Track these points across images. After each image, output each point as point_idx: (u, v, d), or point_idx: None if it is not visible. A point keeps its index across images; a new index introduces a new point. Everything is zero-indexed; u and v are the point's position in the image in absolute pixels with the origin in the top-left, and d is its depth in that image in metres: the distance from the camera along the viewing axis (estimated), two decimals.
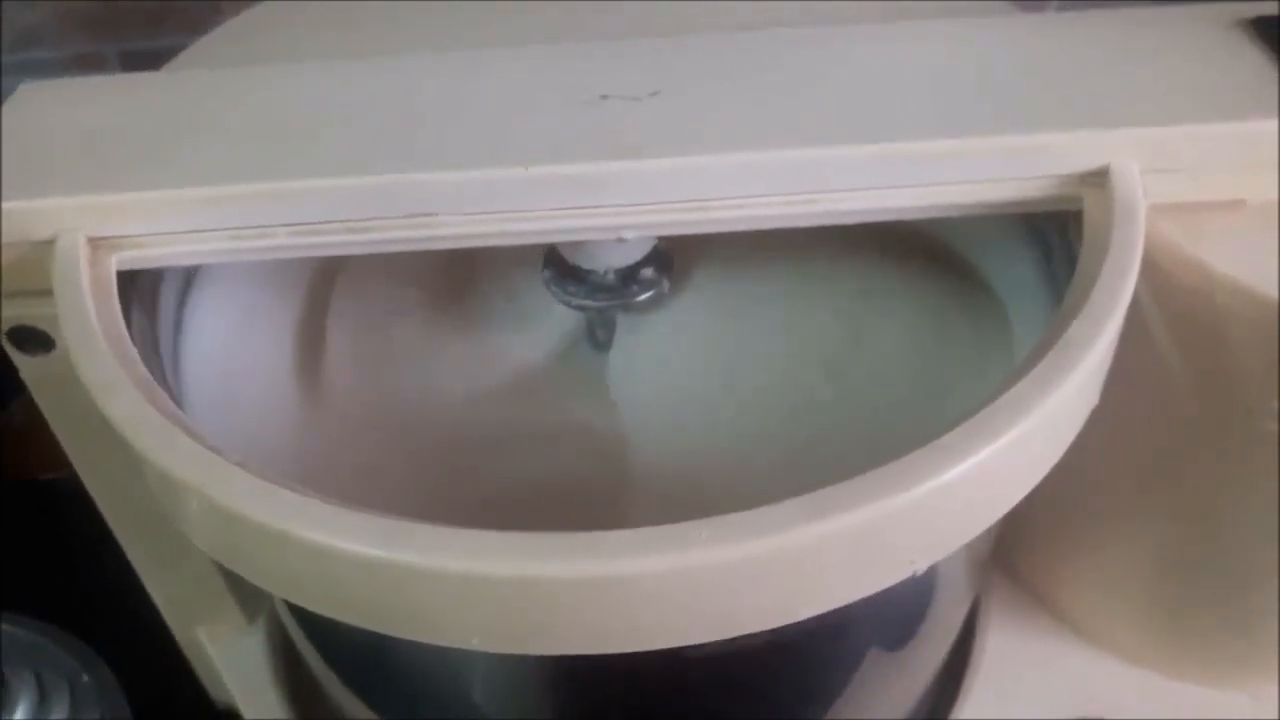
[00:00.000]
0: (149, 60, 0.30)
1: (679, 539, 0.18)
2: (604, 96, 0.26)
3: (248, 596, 0.36)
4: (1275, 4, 0.28)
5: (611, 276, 0.29)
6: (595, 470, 0.29)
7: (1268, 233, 0.25)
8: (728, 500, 0.19)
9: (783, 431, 0.29)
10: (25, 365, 0.27)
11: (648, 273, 0.29)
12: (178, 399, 0.26)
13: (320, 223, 0.24)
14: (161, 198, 0.24)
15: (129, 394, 0.21)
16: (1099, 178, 0.24)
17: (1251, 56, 0.26)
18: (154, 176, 0.24)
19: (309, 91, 0.27)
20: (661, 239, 0.29)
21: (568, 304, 0.30)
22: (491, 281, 0.33)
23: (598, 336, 0.32)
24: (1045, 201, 0.25)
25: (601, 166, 0.24)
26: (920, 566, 0.21)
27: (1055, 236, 0.28)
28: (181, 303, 0.29)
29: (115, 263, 0.24)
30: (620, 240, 0.26)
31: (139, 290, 0.26)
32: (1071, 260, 0.24)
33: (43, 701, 0.38)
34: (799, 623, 0.20)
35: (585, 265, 0.29)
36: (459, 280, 0.33)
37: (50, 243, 0.24)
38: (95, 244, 0.24)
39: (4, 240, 0.24)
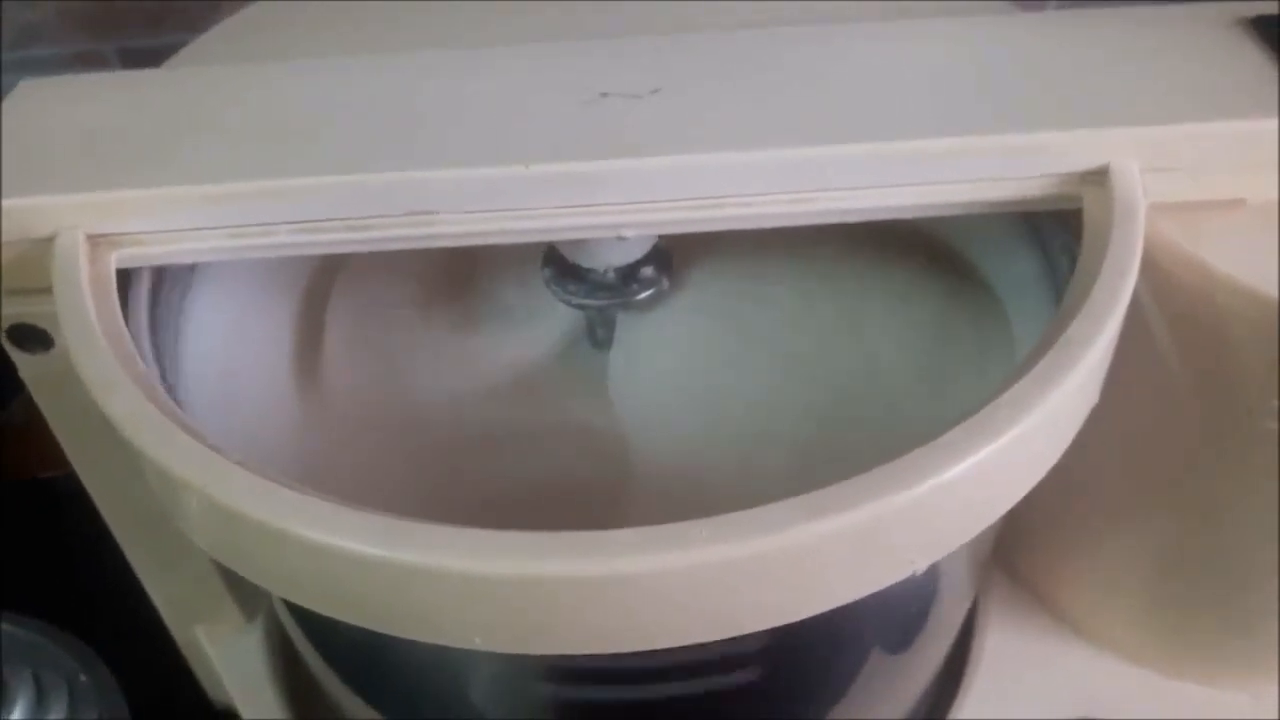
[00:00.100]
0: (149, 58, 0.30)
1: (679, 538, 0.18)
2: (604, 95, 0.26)
3: (246, 596, 0.36)
4: (1275, 3, 0.28)
5: (611, 275, 0.29)
6: (595, 469, 0.29)
7: (1268, 232, 0.25)
8: (727, 499, 0.19)
9: (782, 430, 0.29)
10: (24, 363, 0.26)
11: (648, 271, 0.29)
12: (177, 397, 0.26)
13: (320, 221, 0.24)
14: (161, 195, 0.24)
15: (129, 392, 0.21)
16: (1099, 177, 0.24)
17: (1251, 55, 0.26)
18: (154, 174, 0.24)
19: (309, 89, 0.27)
20: (661, 237, 0.29)
21: (568, 303, 0.30)
22: (491, 280, 0.33)
23: (597, 335, 0.32)
24: (1045, 200, 0.25)
25: (602, 165, 0.24)
26: (920, 566, 0.21)
27: (1055, 236, 0.28)
28: (181, 301, 0.29)
29: (115, 260, 0.24)
30: (620, 239, 0.26)
31: (138, 288, 0.26)
32: (1071, 259, 0.24)
33: (41, 701, 0.37)
34: (798, 622, 0.20)
35: (585, 264, 0.29)
36: (459, 279, 0.33)
37: (50, 240, 0.24)
38: (95, 242, 0.24)
39: (3, 238, 0.24)
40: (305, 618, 0.31)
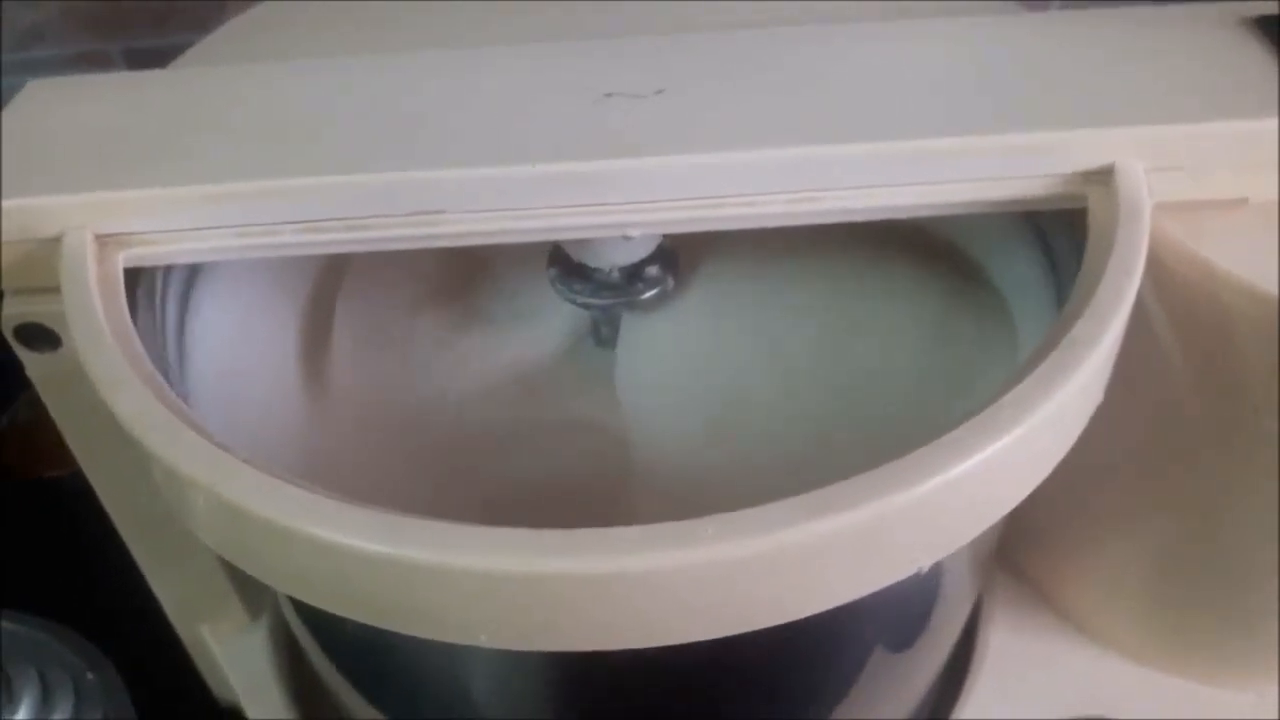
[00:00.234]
0: (154, 59, 0.30)
1: (686, 536, 0.18)
2: (609, 95, 0.26)
3: (251, 594, 0.37)
4: (1277, 3, 0.28)
5: (616, 274, 0.29)
6: (600, 467, 0.29)
7: (1270, 231, 0.25)
8: (732, 497, 0.19)
9: (787, 428, 0.29)
10: (31, 362, 0.27)
11: (653, 271, 0.30)
12: (183, 396, 0.26)
13: (326, 220, 0.24)
14: (168, 195, 0.24)
15: (136, 390, 0.21)
16: (1104, 176, 0.24)
17: (1255, 55, 0.26)
18: (161, 174, 0.24)
19: (314, 89, 0.27)
20: (666, 237, 0.29)
21: (573, 302, 0.30)
22: (496, 279, 0.33)
23: (602, 334, 0.32)
24: (1050, 200, 0.25)
25: (607, 164, 0.24)
26: (924, 564, 0.21)
27: (1059, 235, 0.28)
28: (186, 300, 0.29)
29: (122, 260, 0.24)
30: (625, 238, 0.26)
31: (144, 287, 0.26)
32: (1075, 259, 0.24)
33: (47, 699, 0.38)
34: (802, 620, 0.20)
35: (590, 263, 0.29)
36: (464, 278, 0.33)
37: (57, 240, 0.24)
38: (102, 241, 0.24)
39: (10, 238, 0.24)
40: (310, 616, 0.31)
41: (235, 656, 0.38)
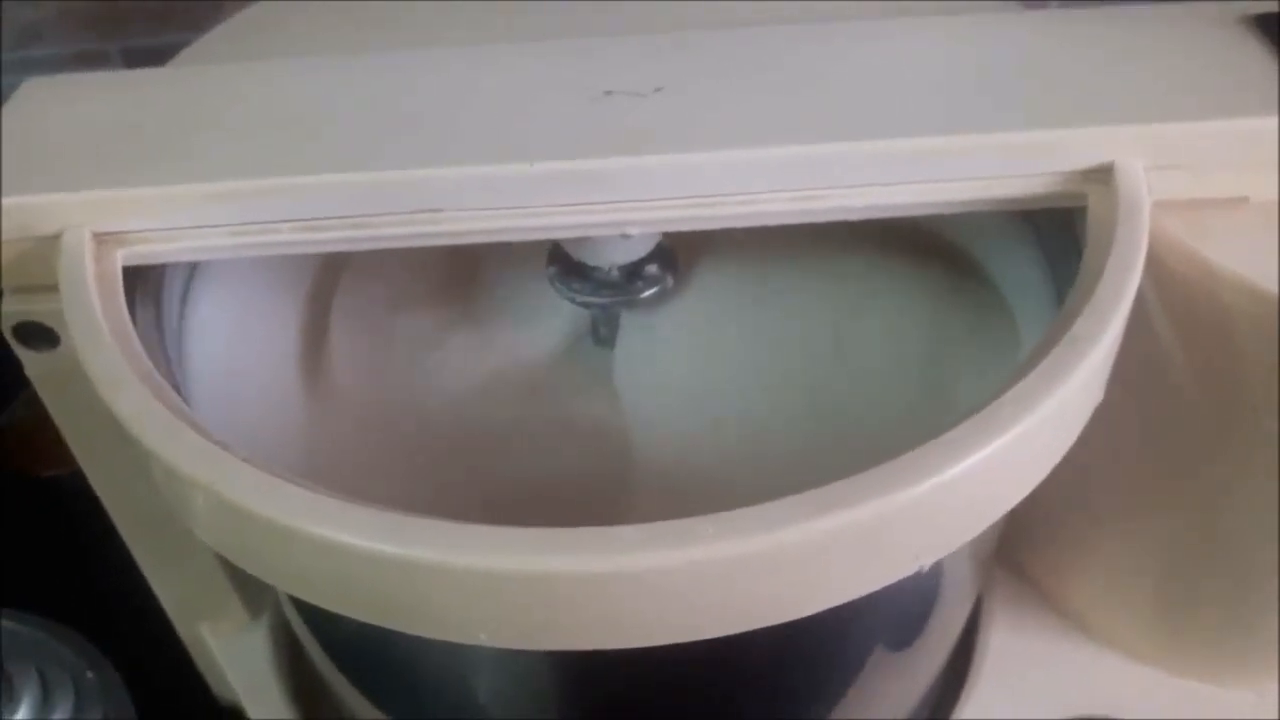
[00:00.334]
0: (152, 58, 0.30)
1: (685, 535, 0.18)
2: (608, 93, 0.26)
3: (251, 593, 0.37)
4: (1277, 2, 0.28)
5: (616, 273, 0.29)
6: (599, 466, 0.29)
7: (1271, 230, 0.25)
8: (732, 496, 0.19)
9: (787, 427, 0.29)
10: (30, 361, 0.27)
11: (652, 269, 0.29)
12: (183, 395, 0.26)
13: (325, 219, 0.24)
14: (167, 193, 0.24)
15: (135, 389, 0.21)
16: (1103, 174, 0.24)
17: (1254, 53, 0.26)
18: (159, 172, 0.24)
19: (313, 87, 0.27)
20: (666, 236, 0.29)
21: (572, 301, 0.30)
22: (495, 278, 0.33)
23: (601, 333, 0.32)
24: (1049, 198, 0.25)
25: (606, 163, 0.24)
26: (925, 563, 0.21)
27: (1059, 233, 0.28)
28: (185, 298, 0.29)
29: (120, 258, 0.24)
30: (625, 237, 0.26)
31: (143, 286, 0.26)
32: (1075, 257, 0.24)
33: (46, 699, 0.38)
34: (802, 619, 0.20)
35: (590, 262, 0.29)
36: (463, 277, 0.33)
37: (55, 238, 0.24)
38: (101, 239, 0.24)
39: (9, 236, 0.24)
40: (310, 614, 0.31)
41: (235, 655, 0.38)
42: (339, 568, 0.20)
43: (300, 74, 0.28)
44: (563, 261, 0.29)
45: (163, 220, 0.24)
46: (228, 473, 0.20)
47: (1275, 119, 0.24)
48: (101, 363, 0.22)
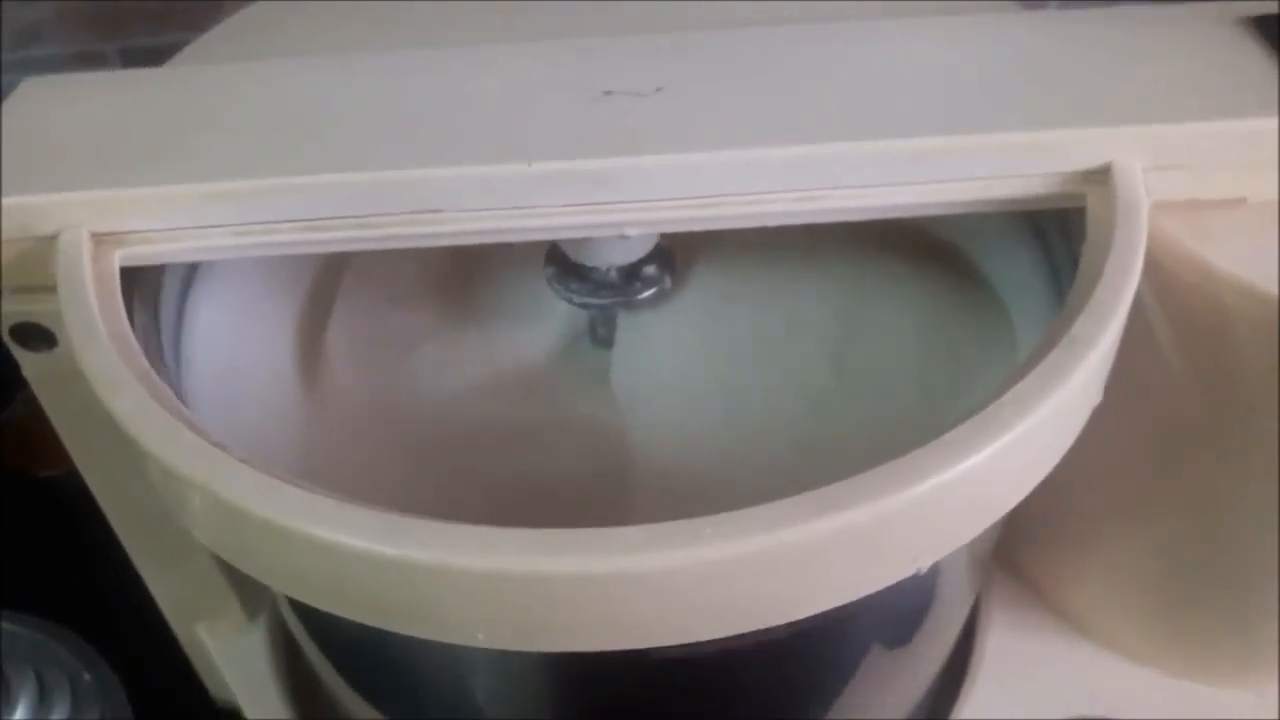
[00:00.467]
0: (151, 58, 0.30)
1: (684, 536, 0.18)
2: (608, 93, 0.26)
3: (249, 594, 0.36)
4: (1276, 3, 0.28)
5: (614, 274, 0.29)
6: (597, 467, 0.29)
7: (1269, 231, 0.25)
8: (730, 498, 0.19)
9: (786, 428, 0.29)
10: (28, 362, 0.26)
11: (650, 270, 0.29)
12: (181, 395, 0.26)
13: (324, 219, 0.24)
14: (166, 193, 0.24)
15: (133, 390, 0.21)
16: (1101, 175, 0.24)
17: (1253, 55, 0.26)
18: (158, 172, 0.24)
19: (312, 87, 0.27)
20: (664, 236, 0.29)
21: (570, 301, 0.30)
22: (494, 279, 0.33)
23: (599, 333, 0.32)
24: (1048, 199, 0.25)
25: (605, 163, 0.24)
26: (924, 564, 0.21)
27: (1056, 234, 0.28)
28: (184, 298, 0.29)
29: (119, 259, 0.24)
30: (623, 237, 0.26)
31: (141, 286, 0.26)
32: (1073, 258, 0.24)
33: (43, 700, 0.38)
34: (801, 620, 0.20)
35: (588, 263, 0.29)
36: (462, 277, 0.33)
37: (53, 238, 0.24)
38: (99, 240, 0.24)
39: (7, 236, 0.24)
40: (308, 615, 0.31)
41: (233, 657, 0.37)
42: (337, 569, 0.20)
43: (299, 74, 0.28)
44: (561, 262, 0.29)
45: (161, 221, 0.24)
46: (225, 473, 0.20)
47: (1274, 120, 0.24)
48: (99, 363, 0.22)
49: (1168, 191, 0.24)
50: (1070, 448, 0.22)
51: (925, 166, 0.24)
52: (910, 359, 0.30)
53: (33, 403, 0.28)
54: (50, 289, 0.24)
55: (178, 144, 0.25)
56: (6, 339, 0.26)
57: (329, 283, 0.32)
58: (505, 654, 0.24)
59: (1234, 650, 0.35)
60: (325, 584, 0.20)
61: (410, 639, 0.21)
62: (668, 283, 0.30)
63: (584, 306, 0.30)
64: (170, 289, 0.28)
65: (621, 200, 0.24)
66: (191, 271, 0.30)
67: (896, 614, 0.30)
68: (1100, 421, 0.23)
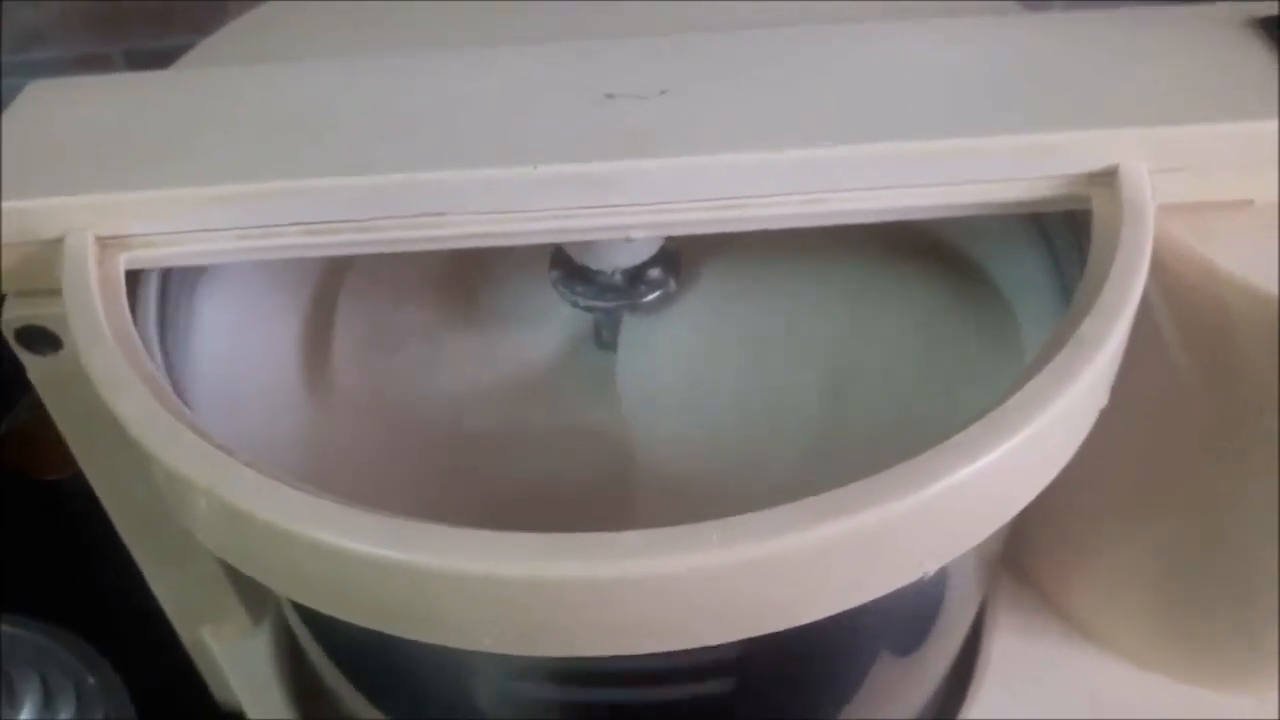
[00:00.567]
0: (154, 60, 0.30)
1: (690, 540, 0.18)
2: (611, 95, 0.26)
3: (253, 598, 0.36)
4: None
5: (619, 277, 0.29)
6: (602, 470, 0.29)
7: (1275, 232, 0.25)
8: (736, 501, 0.19)
9: (791, 431, 0.29)
10: (33, 365, 0.26)
11: (655, 273, 0.29)
12: (185, 399, 0.26)
13: (329, 222, 0.24)
14: (170, 197, 0.24)
15: (137, 393, 0.21)
16: (1108, 177, 0.24)
17: (1259, 56, 0.26)
18: (163, 175, 0.24)
19: (317, 90, 0.27)
20: (669, 239, 0.29)
21: (575, 304, 0.30)
22: (498, 282, 0.33)
23: (604, 336, 0.32)
24: (1054, 201, 0.25)
25: (609, 166, 0.24)
26: (930, 568, 0.21)
27: (1062, 236, 0.28)
28: (189, 302, 0.29)
29: (123, 262, 0.24)
30: (628, 240, 0.26)
31: (147, 289, 0.26)
32: (1078, 260, 0.24)
33: (48, 703, 0.38)
34: (807, 624, 0.20)
35: (592, 265, 0.29)
36: (465, 280, 0.33)
37: (58, 242, 0.24)
38: (103, 243, 0.24)
39: (12, 240, 0.24)
40: (312, 619, 0.31)
41: (237, 660, 0.37)
42: (340, 573, 0.20)
43: (304, 77, 0.28)
44: (565, 265, 0.29)
45: (166, 224, 0.24)
46: (229, 476, 0.20)
47: (1279, 122, 0.24)
48: (104, 366, 0.22)
49: (1173, 193, 0.24)
50: (1077, 450, 0.22)
51: (931, 169, 0.24)
52: (916, 361, 0.30)
53: (37, 406, 0.28)
54: (55, 292, 0.24)
55: (182, 147, 0.25)
56: (12, 342, 0.26)
57: (333, 285, 0.32)
58: (508, 658, 0.24)
59: (1238, 654, 0.35)
60: (329, 588, 0.20)
61: (414, 643, 0.21)
62: (672, 286, 0.30)
63: (588, 309, 0.30)
64: (175, 292, 0.28)
65: (626, 203, 0.24)
66: (196, 274, 0.30)
67: (903, 618, 0.30)
68: (1106, 424, 0.23)
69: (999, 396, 0.20)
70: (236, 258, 0.25)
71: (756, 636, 0.20)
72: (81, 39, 0.53)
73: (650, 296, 0.29)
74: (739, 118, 0.25)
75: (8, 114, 0.27)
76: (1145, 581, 0.34)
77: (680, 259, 0.30)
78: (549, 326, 0.32)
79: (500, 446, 0.30)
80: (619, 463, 0.29)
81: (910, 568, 0.21)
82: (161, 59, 0.31)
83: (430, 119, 0.26)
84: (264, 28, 0.33)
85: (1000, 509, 0.21)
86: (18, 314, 0.25)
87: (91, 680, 0.39)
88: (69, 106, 0.27)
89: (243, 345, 0.30)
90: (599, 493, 0.29)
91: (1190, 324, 0.26)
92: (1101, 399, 0.23)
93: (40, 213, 0.24)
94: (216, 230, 0.24)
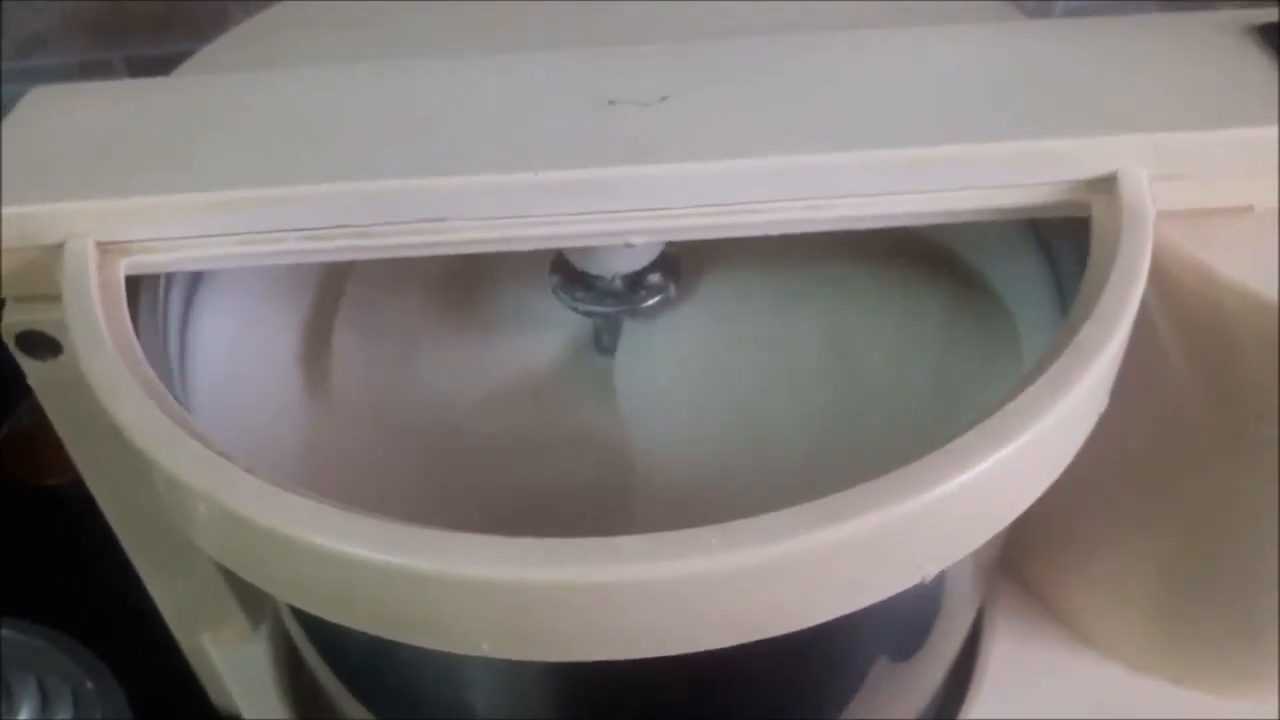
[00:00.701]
0: (156, 67, 0.30)
1: (689, 545, 0.18)
2: (612, 102, 0.26)
3: (252, 603, 0.36)
4: None
5: (619, 282, 0.29)
6: (602, 475, 0.29)
7: (1274, 238, 0.25)
8: (735, 506, 0.19)
9: (790, 436, 0.29)
10: (32, 370, 0.26)
11: (655, 278, 0.29)
12: (185, 403, 0.26)
13: (329, 228, 0.24)
14: (171, 202, 0.24)
15: (137, 398, 0.21)
16: (1107, 184, 0.24)
17: (1258, 63, 0.26)
18: (163, 181, 0.24)
19: (318, 96, 0.27)
20: (669, 245, 0.29)
21: (575, 310, 0.30)
22: (499, 287, 0.33)
23: (604, 342, 0.32)
24: (1053, 208, 0.25)
25: (610, 172, 0.24)
26: (929, 573, 0.21)
27: (1062, 243, 0.28)
28: (188, 307, 0.29)
29: (124, 267, 0.24)
30: (628, 246, 0.26)
31: (146, 294, 0.26)
32: (1078, 267, 0.24)
33: (46, 707, 0.38)
34: (805, 629, 0.20)
35: (593, 271, 0.29)
36: (466, 285, 0.33)
37: (59, 247, 0.24)
38: (104, 249, 0.24)
39: (13, 245, 0.24)
40: (311, 624, 0.31)
41: (236, 665, 0.37)
42: (340, 578, 0.20)
43: (305, 83, 0.28)
44: (565, 270, 0.29)
45: (166, 230, 0.24)
46: (229, 482, 0.20)
47: (1278, 128, 0.24)
48: (103, 372, 0.22)
49: (1173, 200, 0.24)
50: (1075, 455, 0.22)
51: (930, 175, 0.24)
52: (915, 367, 0.30)
53: (37, 411, 0.28)
54: (55, 298, 0.24)
55: (183, 153, 0.25)
56: (11, 347, 0.26)
57: (333, 290, 0.32)
58: (508, 663, 0.24)
59: (1237, 659, 0.35)
60: (329, 593, 0.20)
61: (413, 648, 0.21)
62: (672, 291, 0.30)
63: (588, 315, 0.30)
64: (175, 297, 0.28)
65: (626, 209, 0.24)
66: (196, 279, 0.30)
67: (901, 622, 0.30)
68: (1105, 429, 0.23)
69: (998, 402, 0.20)
70: (237, 263, 0.25)
71: (754, 640, 0.20)
72: (83, 45, 0.53)
73: (650, 302, 0.29)
74: (740, 124, 0.25)
75: (9, 120, 0.27)
76: (1144, 586, 0.34)
77: (680, 264, 0.30)
78: (549, 332, 0.32)
79: (500, 452, 0.30)
80: (619, 468, 0.29)
81: (909, 572, 0.21)
82: (163, 65, 0.31)
83: (431, 125, 0.26)
84: (265, 34, 0.33)
85: (999, 514, 0.21)
86: (18, 319, 0.25)
87: (89, 684, 0.39)
88: (70, 112, 0.27)
89: (242, 351, 0.30)
90: (598, 498, 0.29)
91: (1189, 330, 0.26)
92: (1100, 405, 0.23)
93: (41, 218, 0.24)
94: (217, 236, 0.25)
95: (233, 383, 0.29)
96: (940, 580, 0.29)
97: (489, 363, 0.31)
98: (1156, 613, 0.35)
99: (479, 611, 0.19)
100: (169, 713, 0.41)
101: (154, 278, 0.26)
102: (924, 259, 0.31)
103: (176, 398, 0.23)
